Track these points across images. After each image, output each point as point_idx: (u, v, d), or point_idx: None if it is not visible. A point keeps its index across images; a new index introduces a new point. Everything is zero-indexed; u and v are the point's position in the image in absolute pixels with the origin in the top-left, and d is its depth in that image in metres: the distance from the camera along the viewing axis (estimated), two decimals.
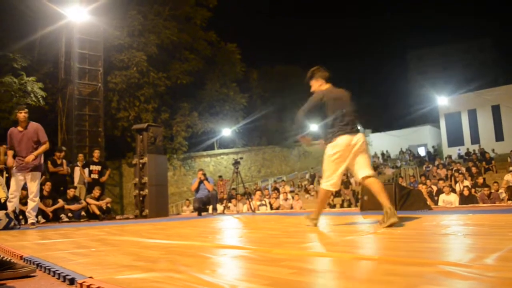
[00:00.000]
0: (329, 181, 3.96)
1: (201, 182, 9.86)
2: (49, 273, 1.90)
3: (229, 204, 12.76)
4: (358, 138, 3.91)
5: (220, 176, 19.33)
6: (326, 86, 4.18)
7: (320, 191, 4.17)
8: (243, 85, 25.55)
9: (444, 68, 56.69)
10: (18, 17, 15.12)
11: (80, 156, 10.96)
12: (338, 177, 3.97)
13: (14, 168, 6.50)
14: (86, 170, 10.29)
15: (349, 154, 3.87)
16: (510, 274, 1.35)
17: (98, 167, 10.37)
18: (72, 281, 1.64)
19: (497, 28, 65.11)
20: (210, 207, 9.84)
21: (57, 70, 15.62)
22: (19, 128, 6.62)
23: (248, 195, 11.18)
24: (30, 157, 6.40)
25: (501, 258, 1.64)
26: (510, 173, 12.46)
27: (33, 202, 6.55)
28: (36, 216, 6.93)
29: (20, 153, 6.53)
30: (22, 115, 6.61)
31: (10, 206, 6.42)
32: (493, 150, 23.07)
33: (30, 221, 6.53)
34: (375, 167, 25.36)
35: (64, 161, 10.06)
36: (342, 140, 3.85)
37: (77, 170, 10.43)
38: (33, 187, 6.54)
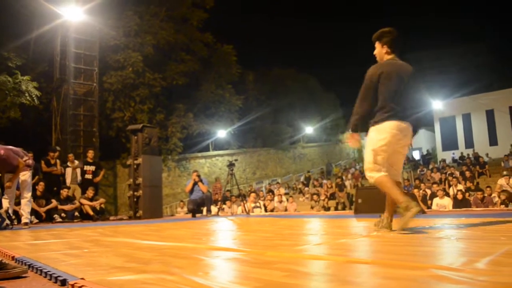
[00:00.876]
0: (376, 168, 3.29)
1: (195, 183, 9.84)
2: (40, 274, 1.89)
3: (224, 206, 12.75)
4: (409, 130, 3.33)
5: (217, 178, 19.35)
6: (389, 57, 3.49)
7: (378, 183, 3.30)
8: (238, 86, 25.56)
9: (439, 72, 56.97)
10: (13, 16, 15.06)
11: (70, 156, 10.71)
12: (383, 163, 3.29)
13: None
14: (79, 170, 10.25)
15: (395, 144, 3.28)
16: (501, 278, 1.35)
17: (92, 167, 10.34)
18: (63, 282, 1.63)
19: (493, 33, 65.59)
20: (205, 209, 9.82)
21: (52, 70, 15.56)
22: None
23: (242, 197, 11.18)
24: (8, 185, 6.43)
25: (492, 263, 1.65)
26: (504, 177, 12.54)
27: (24, 199, 6.59)
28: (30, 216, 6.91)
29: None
30: None
31: (6, 203, 6.45)
32: (487, 155, 23.19)
33: (23, 220, 6.54)
34: None
35: (57, 161, 10.01)
36: (392, 125, 3.25)
37: (68, 171, 10.37)
38: (24, 184, 6.59)
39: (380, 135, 3.29)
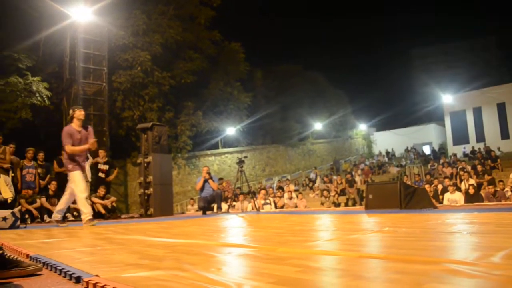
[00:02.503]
0: None
1: (205, 181, 9.86)
2: (55, 272, 1.91)
3: (234, 203, 12.77)
4: None
5: (221, 179, 19.34)
6: None
7: None
8: (247, 84, 25.55)
9: (449, 66, 56.56)
10: (22, 17, 15.18)
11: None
12: None
13: (75, 166, 6.27)
14: (88, 169, 10.34)
15: None
16: None
17: (106, 166, 10.45)
18: (78, 279, 1.65)
19: (502, 27, 64.79)
20: (215, 206, 9.85)
21: (62, 70, 15.67)
22: (77, 128, 6.34)
23: (252, 194, 11.19)
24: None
25: (507, 256, 1.63)
26: None
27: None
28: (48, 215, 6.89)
29: (77, 154, 6.34)
30: (83, 113, 6.44)
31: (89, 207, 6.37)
32: (498, 149, 22.95)
33: (86, 217, 6.21)
34: (380, 166, 25.32)
35: None
36: None
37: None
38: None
39: None
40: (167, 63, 20.12)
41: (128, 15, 18.44)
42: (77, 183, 6.25)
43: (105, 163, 10.48)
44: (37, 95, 14.00)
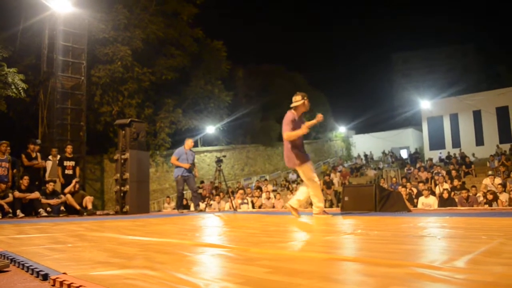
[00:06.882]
0: None
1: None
2: (22, 269, 1.88)
3: (211, 202, 12.74)
4: None
5: (202, 182, 19.29)
6: None
7: None
8: (228, 83, 25.52)
9: (428, 72, 57.59)
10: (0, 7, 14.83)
11: (53, 150, 10.75)
12: None
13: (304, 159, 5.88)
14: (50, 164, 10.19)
15: None
16: (478, 277, 1.38)
17: (72, 163, 10.23)
18: (45, 277, 1.62)
19: (481, 34, 66.38)
20: (192, 205, 9.81)
21: (40, 62, 15.37)
22: (297, 118, 5.75)
23: (230, 193, 11.19)
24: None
25: (471, 261, 1.68)
26: (489, 177, 12.71)
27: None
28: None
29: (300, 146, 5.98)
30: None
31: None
32: (473, 155, 23.49)
33: (317, 211, 5.83)
34: (358, 168, 25.60)
35: (38, 154, 9.88)
36: None
37: (49, 164, 10.27)
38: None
39: None
40: (148, 59, 19.94)
41: (109, 8, 18.21)
42: (310, 176, 6.01)
43: (70, 159, 10.26)
44: (13, 86, 13.68)
